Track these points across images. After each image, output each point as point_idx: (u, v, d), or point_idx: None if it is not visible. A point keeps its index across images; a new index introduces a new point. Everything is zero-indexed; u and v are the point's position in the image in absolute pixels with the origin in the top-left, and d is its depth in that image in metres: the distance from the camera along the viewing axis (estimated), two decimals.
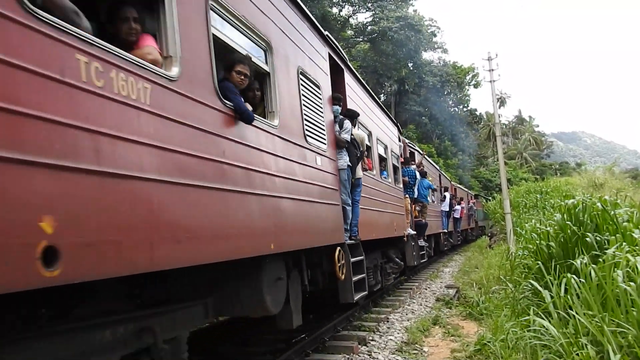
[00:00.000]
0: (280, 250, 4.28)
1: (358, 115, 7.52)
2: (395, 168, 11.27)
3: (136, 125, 2.61)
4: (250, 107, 4.06)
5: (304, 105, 5.57)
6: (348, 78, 7.95)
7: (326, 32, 6.89)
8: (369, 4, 41.35)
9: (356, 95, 8.39)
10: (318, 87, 6.23)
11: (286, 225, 4.51)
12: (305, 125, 5.51)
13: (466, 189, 34.07)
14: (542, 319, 4.77)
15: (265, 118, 4.53)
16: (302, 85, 5.58)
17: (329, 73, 6.85)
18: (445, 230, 19.68)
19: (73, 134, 2.15)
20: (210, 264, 3.20)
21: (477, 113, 68.11)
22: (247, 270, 4.17)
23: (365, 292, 7.03)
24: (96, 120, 2.30)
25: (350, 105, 7.63)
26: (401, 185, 11.43)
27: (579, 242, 6.10)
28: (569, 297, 4.74)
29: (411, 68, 45.82)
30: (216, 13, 3.76)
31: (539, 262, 6.41)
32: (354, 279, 6.45)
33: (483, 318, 7.62)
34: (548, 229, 7.12)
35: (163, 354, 3.22)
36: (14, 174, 1.86)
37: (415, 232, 12.24)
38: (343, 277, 6.15)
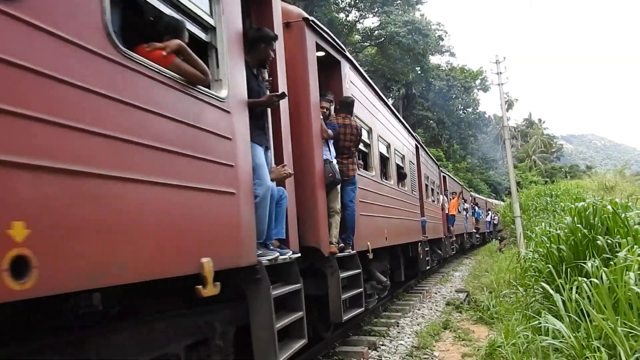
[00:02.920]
0: None
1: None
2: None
3: None
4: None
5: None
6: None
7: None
8: (376, 9, 41.42)
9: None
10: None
11: None
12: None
13: (501, 202, 46.71)
14: (554, 322, 4.74)
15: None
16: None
17: None
18: (488, 230, 36.07)
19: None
20: None
21: (486, 116, 67.96)
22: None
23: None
24: None
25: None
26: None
27: (589, 245, 6.05)
28: (580, 300, 4.71)
29: (419, 72, 45.80)
30: None
31: (550, 266, 6.37)
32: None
33: (494, 322, 7.58)
34: (558, 232, 7.08)
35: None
36: None
37: (475, 231, 29.16)
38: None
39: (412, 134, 12.23)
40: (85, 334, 2.56)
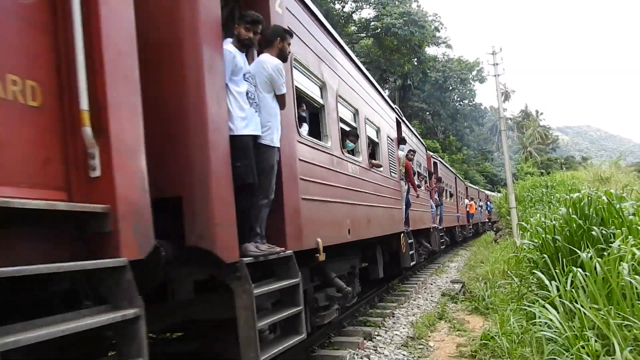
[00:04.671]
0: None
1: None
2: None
3: None
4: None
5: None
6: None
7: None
8: (372, 0, 41.23)
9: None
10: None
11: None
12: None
13: (497, 193, 54.84)
14: (548, 311, 4.76)
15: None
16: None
17: None
18: (498, 219, 40.87)
19: None
20: None
21: (482, 107, 67.93)
22: None
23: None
24: None
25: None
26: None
27: (584, 236, 6.08)
28: (574, 290, 4.74)
29: (415, 63, 45.71)
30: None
31: (545, 255, 6.39)
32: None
33: (489, 313, 7.61)
34: (554, 222, 7.10)
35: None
36: None
37: (488, 220, 36.44)
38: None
39: (453, 172, 24.77)
40: None
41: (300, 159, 4.80)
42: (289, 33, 4.31)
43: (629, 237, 5.23)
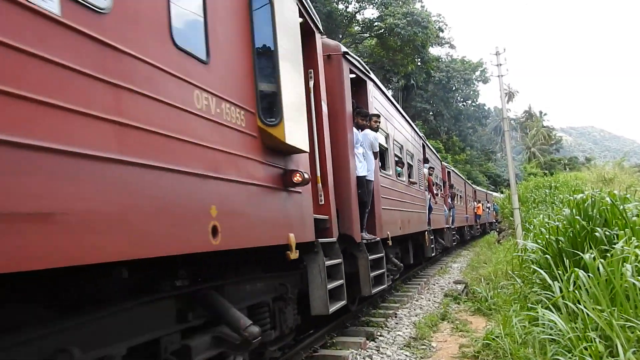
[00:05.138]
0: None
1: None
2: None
3: None
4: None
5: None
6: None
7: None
8: (375, 0, 41.16)
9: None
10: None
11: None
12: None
13: (500, 194, 55.61)
14: (551, 312, 4.75)
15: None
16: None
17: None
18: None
19: None
20: None
21: (486, 108, 67.79)
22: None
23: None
24: None
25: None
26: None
27: (588, 237, 6.06)
28: (577, 292, 4.73)
29: (418, 63, 45.63)
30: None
31: (548, 256, 6.38)
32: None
33: (492, 313, 7.60)
34: (557, 223, 7.09)
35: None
36: None
37: (495, 220, 36.38)
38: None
39: (462, 178, 26.87)
40: None
41: (380, 185, 7.88)
42: (378, 116, 7.67)
43: (633, 238, 5.21)
